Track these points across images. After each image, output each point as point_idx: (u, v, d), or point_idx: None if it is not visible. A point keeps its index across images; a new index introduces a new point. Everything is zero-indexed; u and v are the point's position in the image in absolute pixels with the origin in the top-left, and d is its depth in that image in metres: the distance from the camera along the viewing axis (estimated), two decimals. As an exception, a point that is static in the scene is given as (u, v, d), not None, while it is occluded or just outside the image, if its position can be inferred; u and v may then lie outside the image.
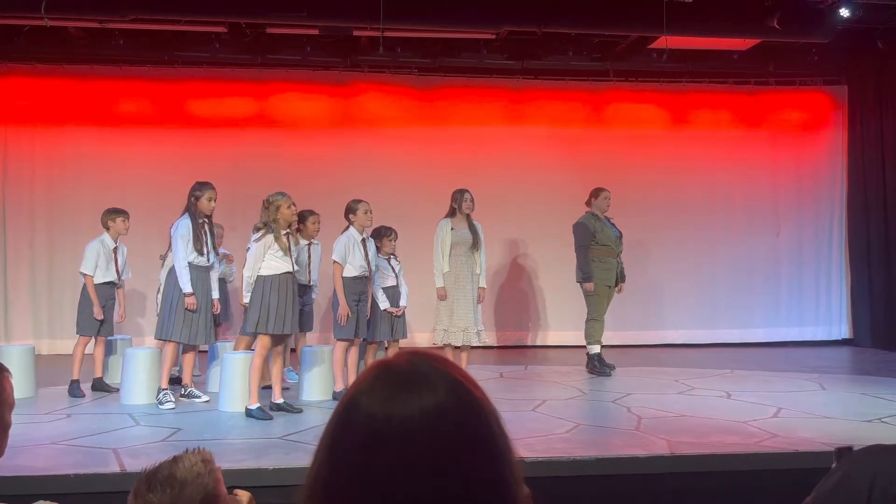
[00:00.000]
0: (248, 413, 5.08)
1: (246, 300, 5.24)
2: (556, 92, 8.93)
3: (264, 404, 5.15)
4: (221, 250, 6.24)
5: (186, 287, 5.33)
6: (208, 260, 5.50)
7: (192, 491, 1.62)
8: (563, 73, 8.79)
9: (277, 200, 5.19)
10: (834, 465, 1.88)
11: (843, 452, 1.94)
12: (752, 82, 9.19)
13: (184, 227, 5.40)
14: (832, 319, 9.21)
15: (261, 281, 5.16)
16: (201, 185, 5.49)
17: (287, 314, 5.17)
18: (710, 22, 7.46)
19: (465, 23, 7.63)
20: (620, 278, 6.96)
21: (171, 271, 5.47)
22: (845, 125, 9.27)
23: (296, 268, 5.32)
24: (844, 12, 7.20)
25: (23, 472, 3.64)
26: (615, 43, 8.40)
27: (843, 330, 9.20)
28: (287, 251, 5.18)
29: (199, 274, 5.46)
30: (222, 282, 6.43)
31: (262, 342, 5.17)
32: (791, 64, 8.90)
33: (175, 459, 1.67)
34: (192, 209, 5.46)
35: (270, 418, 5.04)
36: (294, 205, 5.31)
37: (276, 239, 5.16)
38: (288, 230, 5.27)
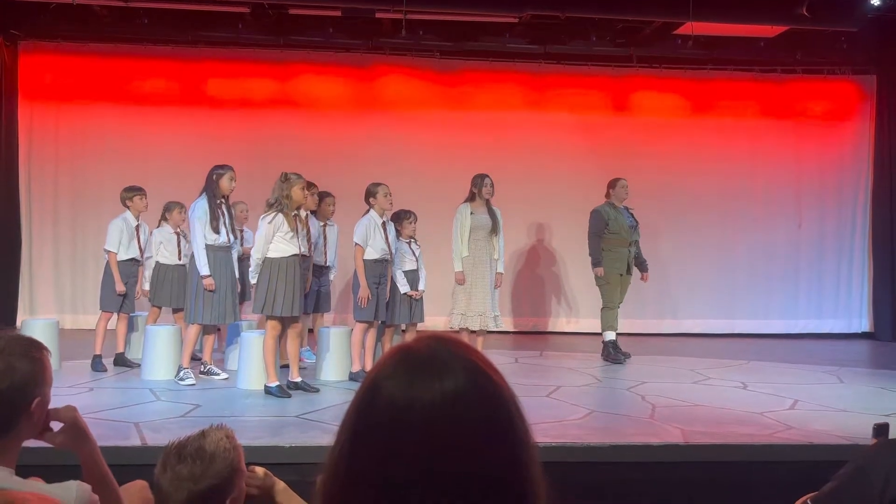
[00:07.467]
0: (268, 391, 5.16)
1: (254, 281, 5.30)
2: (579, 77, 8.84)
3: (283, 383, 5.22)
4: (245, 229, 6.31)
5: (204, 269, 5.38)
6: (228, 240, 5.55)
7: (219, 464, 1.67)
8: (585, 59, 8.70)
9: (294, 178, 5.25)
10: (871, 440, 1.89)
11: (882, 429, 1.94)
12: (778, 70, 9.04)
13: (200, 208, 5.44)
14: (852, 312, 9.11)
15: (268, 263, 5.21)
16: (222, 166, 5.55)
17: (294, 296, 5.21)
18: (737, 8, 7.34)
19: (488, 6, 7.58)
20: (641, 267, 6.94)
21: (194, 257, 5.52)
22: (873, 116, 9.10)
23: (303, 250, 5.34)
24: (876, 0, 7.06)
25: (46, 445, 3.71)
26: (640, 28, 8.29)
27: (863, 323, 9.10)
28: (296, 232, 5.22)
29: (219, 254, 5.50)
30: (241, 260, 6.48)
31: (271, 323, 5.25)
32: (819, 52, 8.74)
33: (203, 434, 1.71)
34: (211, 189, 5.50)
35: (289, 396, 5.11)
36: (306, 188, 5.35)
37: (286, 217, 5.20)
38: (297, 212, 5.31)
